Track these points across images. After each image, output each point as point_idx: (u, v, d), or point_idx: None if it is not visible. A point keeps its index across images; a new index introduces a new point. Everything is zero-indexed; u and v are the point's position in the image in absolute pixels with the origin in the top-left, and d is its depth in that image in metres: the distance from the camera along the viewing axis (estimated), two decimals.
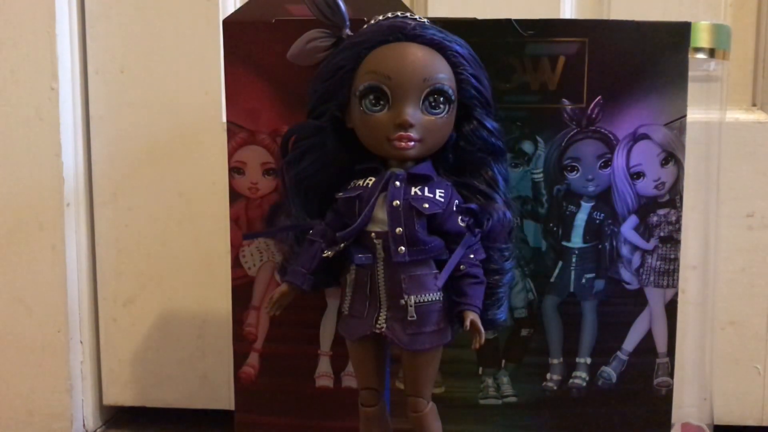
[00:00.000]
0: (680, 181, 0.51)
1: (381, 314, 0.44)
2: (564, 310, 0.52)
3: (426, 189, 0.43)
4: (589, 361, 0.52)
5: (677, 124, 0.50)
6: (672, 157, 0.50)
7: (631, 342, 0.52)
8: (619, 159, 0.50)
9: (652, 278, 0.51)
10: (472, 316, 0.43)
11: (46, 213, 0.67)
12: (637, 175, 0.51)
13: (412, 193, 0.43)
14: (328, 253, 0.44)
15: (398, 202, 0.43)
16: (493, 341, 0.52)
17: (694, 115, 0.51)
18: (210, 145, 0.67)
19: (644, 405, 0.52)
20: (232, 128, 0.51)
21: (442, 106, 0.43)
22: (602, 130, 0.50)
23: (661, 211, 0.51)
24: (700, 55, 0.50)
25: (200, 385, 0.70)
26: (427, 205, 0.43)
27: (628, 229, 0.51)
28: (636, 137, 0.50)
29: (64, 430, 0.69)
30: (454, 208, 0.44)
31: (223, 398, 0.70)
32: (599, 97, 0.49)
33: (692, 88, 0.50)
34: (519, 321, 0.52)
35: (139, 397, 0.71)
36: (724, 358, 0.66)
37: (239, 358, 0.53)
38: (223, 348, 0.69)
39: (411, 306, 0.43)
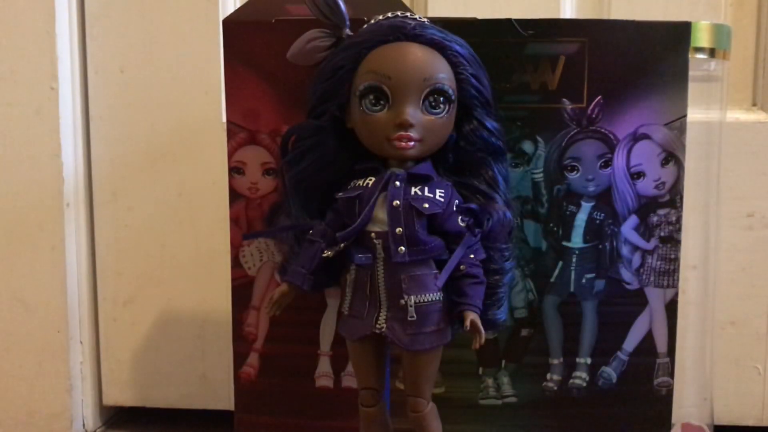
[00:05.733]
0: (680, 181, 0.51)
1: (381, 314, 0.44)
2: (564, 310, 0.52)
3: (426, 189, 0.43)
4: (589, 361, 0.52)
5: (677, 124, 0.50)
6: (672, 157, 0.50)
7: (631, 342, 0.52)
8: (619, 159, 0.50)
9: (652, 278, 0.51)
10: (472, 316, 0.43)
11: (46, 213, 0.67)
12: (638, 175, 0.50)
13: (412, 193, 0.43)
14: (328, 253, 0.44)
15: (398, 202, 0.43)
16: (493, 341, 0.52)
17: (694, 115, 0.51)
18: (210, 145, 0.66)
19: (644, 405, 0.52)
20: (232, 128, 0.51)
21: (442, 105, 0.43)
22: (602, 130, 0.50)
23: (661, 211, 0.51)
24: (701, 55, 0.50)
25: (200, 386, 0.70)
26: (427, 205, 0.43)
27: (628, 229, 0.51)
28: (636, 137, 0.50)
29: (63, 431, 0.69)
30: (454, 208, 0.44)
31: (223, 398, 0.70)
32: (599, 97, 0.49)
33: (692, 88, 0.49)
34: (519, 321, 0.52)
35: (139, 397, 0.71)
36: (724, 359, 0.66)
37: (239, 358, 0.53)
38: (222, 348, 0.68)
39: (411, 306, 0.43)
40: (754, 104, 0.68)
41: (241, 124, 0.51)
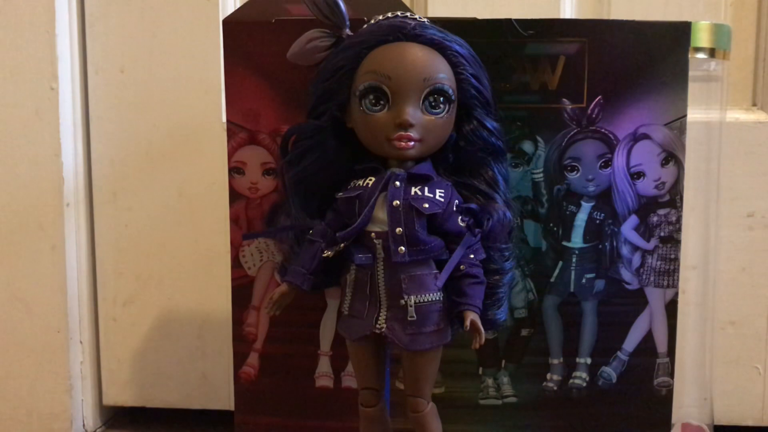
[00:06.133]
0: (680, 181, 0.51)
1: (381, 314, 0.44)
2: (564, 310, 0.52)
3: (426, 189, 0.43)
4: (589, 361, 0.52)
5: (677, 124, 0.50)
6: (672, 157, 0.50)
7: (631, 342, 0.52)
8: (619, 159, 0.50)
9: (652, 278, 0.51)
10: (472, 316, 0.43)
11: (46, 213, 0.67)
12: (638, 175, 0.51)
13: (412, 193, 0.43)
14: (328, 253, 0.44)
15: (398, 202, 0.43)
16: (493, 341, 0.52)
17: (694, 115, 0.51)
18: (210, 145, 0.67)
19: (644, 405, 0.52)
20: (232, 128, 0.51)
21: (442, 105, 0.43)
22: (602, 130, 0.50)
23: (661, 211, 0.51)
24: (701, 55, 0.50)
25: (200, 386, 0.70)
26: (427, 205, 0.43)
27: (628, 229, 0.51)
28: (636, 137, 0.50)
29: (63, 431, 0.69)
30: (454, 208, 0.44)
31: (223, 398, 0.70)
32: (599, 97, 0.49)
33: (692, 88, 0.50)
34: (519, 321, 0.52)
35: (139, 397, 0.71)
36: (724, 358, 0.66)
37: (239, 358, 0.53)
38: (222, 348, 0.69)
39: (411, 306, 0.43)
40: (754, 104, 0.68)
41: (241, 124, 0.51)
